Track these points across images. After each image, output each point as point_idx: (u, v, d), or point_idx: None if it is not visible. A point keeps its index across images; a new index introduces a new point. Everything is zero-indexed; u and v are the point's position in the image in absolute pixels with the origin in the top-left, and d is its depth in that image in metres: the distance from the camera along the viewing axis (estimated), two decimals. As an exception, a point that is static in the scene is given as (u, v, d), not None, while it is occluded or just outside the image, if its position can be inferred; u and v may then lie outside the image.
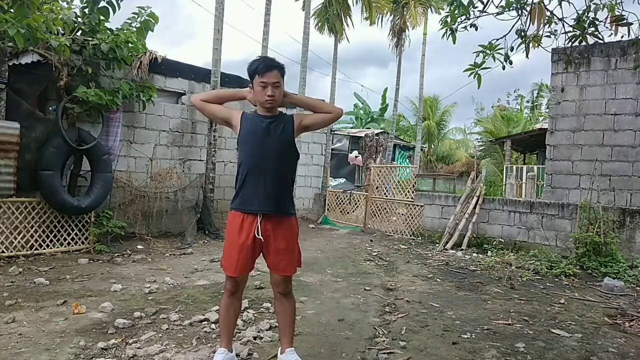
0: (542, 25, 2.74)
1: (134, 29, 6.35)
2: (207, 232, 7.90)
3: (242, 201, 2.54)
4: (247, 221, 2.52)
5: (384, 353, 3.10)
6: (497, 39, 2.71)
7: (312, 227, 10.02)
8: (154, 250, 6.66)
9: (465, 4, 2.74)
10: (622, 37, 3.00)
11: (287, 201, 2.61)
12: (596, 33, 2.83)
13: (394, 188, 10.34)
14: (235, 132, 2.63)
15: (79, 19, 6.00)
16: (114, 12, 5.29)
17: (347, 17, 14.94)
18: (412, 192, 9.37)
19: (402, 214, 9.40)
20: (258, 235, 2.50)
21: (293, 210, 2.67)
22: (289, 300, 2.69)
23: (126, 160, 7.28)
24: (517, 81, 37.76)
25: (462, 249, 7.63)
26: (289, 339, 2.70)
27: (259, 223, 2.50)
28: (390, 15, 17.10)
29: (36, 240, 5.82)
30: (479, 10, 2.75)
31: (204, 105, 2.67)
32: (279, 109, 2.68)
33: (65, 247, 6.07)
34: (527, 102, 26.88)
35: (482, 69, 2.77)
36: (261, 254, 2.63)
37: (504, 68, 2.83)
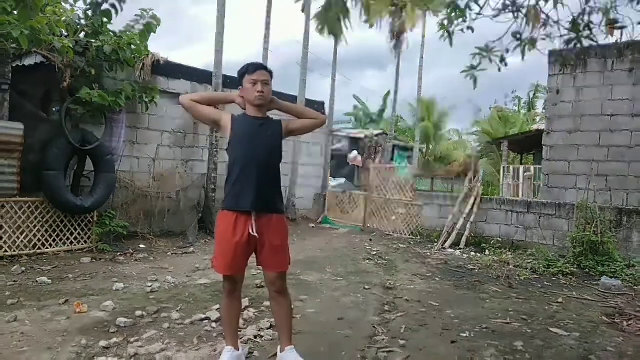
0: (537, 28, 2.79)
1: (137, 31, 6.40)
2: (208, 231, 7.94)
3: (235, 200, 2.56)
4: (241, 219, 2.55)
5: (384, 352, 3.12)
6: (494, 41, 2.77)
7: (312, 227, 10.07)
8: (156, 249, 6.70)
9: (462, 6, 2.80)
10: (616, 40, 3.05)
11: (278, 199, 2.71)
12: (591, 36, 2.88)
13: (393, 188, 10.37)
14: (224, 133, 2.69)
15: (82, 21, 6.04)
16: (117, 14, 5.33)
17: (347, 19, 14.98)
18: (411, 192, 9.42)
19: (401, 214, 9.45)
20: (253, 232, 2.53)
21: (283, 208, 2.77)
22: (285, 298, 2.71)
23: (129, 161, 7.32)
24: (514, 83, 37.75)
25: (460, 248, 7.67)
26: (288, 336, 2.73)
27: (253, 220, 2.54)
28: (389, 18, 17.12)
29: (39, 240, 5.86)
30: (475, 13, 2.81)
31: (193, 105, 2.65)
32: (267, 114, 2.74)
33: (68, 246, 6.11)
34: (524, 103, 26.90)
35: (478, 70, 2.82)
36: (253, 253, 2.67)
37: (499, 70, 2.89)
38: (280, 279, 2.67)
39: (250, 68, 2.62)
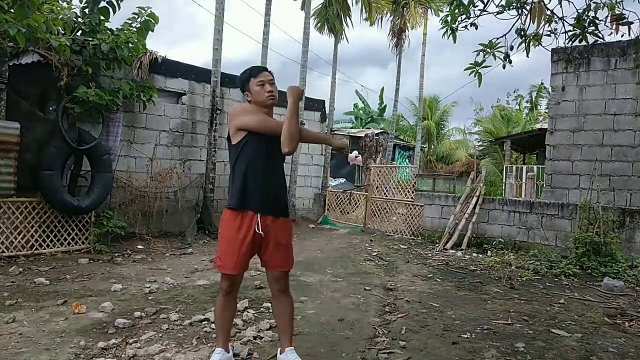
0: (542, 25, 2.75)
1: (134, 29, 6.35)
2: (207, 232, 7.91)
3: (243, 199, 2.55)
4: (247, 218, 2.55)
5: (384, 353, 3.10)
6: (497, 38, 2.72)
7: (312, 227, 10.02)
8: (154, 250, 6.66)
9: (466, 3, 2.75)
10: (622, 36, 3.01)
11: (285, 200, 2.74)
12: (596, 32, 2.84)
13: (394, 188, 10.34)
14: (240, 135, 2.58)
15: (79, 19, 6.00)
16: (114, 12, 5.29)
17: (347, 17, 14.93)
18: (412, 192, 9.38)
19: (402, 214, 9.40)
20: (258, 230, 2.53)
21: (288, 211, 2.79)
22: (287, 298, 2.73)
23: (126, 160, 7.28)
24: (516, 82, 37.79)
25: (462, 249, 7.63)
26: (289, 337, 2.73)
27: (259, 219, 2.54)
28: (390, 16, 17.09)
29: (36, 240, 5.82)
30: (479, 10, 2.76)
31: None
32: None
33: (65, 247, 6.07)
34: (527, 102, 26.87)
35: (482, 67, 2.77)
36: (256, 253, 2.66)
37: (504, 67, 2.84)
38: (284, 277, 2.69)
39: (254, 71, 2.65)
